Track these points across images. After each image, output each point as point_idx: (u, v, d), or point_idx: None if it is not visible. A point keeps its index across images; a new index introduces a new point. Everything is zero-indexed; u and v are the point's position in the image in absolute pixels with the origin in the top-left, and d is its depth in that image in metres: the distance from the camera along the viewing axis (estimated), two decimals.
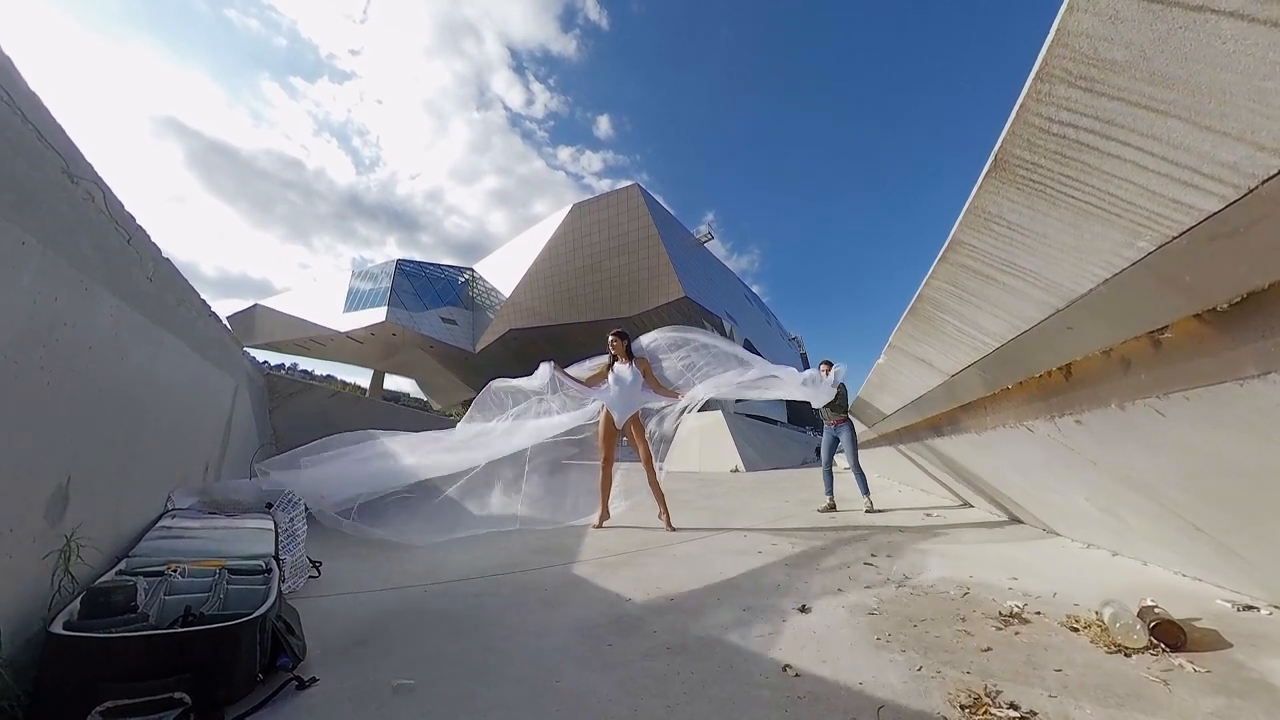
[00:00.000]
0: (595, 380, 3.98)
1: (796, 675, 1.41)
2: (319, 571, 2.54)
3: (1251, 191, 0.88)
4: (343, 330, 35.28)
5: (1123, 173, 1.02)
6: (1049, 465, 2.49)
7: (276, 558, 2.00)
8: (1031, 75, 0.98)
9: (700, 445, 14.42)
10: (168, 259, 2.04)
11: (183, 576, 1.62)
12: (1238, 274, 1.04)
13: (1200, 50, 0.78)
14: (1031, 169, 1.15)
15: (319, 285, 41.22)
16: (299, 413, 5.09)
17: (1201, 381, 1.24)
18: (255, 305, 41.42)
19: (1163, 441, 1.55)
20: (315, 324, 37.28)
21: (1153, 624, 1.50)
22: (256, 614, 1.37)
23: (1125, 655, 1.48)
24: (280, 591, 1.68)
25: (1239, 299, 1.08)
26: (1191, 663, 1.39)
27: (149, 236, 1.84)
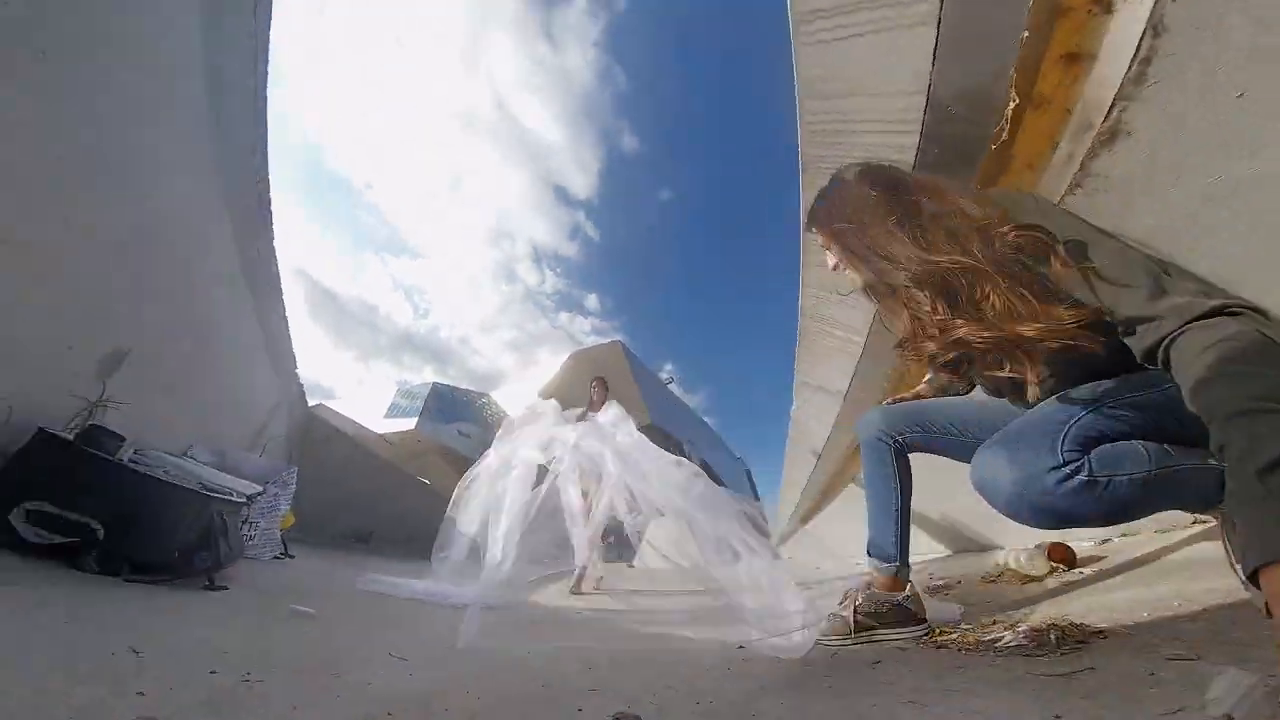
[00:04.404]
0: None
1: None
2: (292, 555, 2.57)
3: None
4: (379, 432, 37.27)
5: None
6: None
7: (249, 503, 2.02)
8: None
9: None
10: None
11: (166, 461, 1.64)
12: None
13: None
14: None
15: (367, 395, 45.04)
16: (324, 459, 4.95)
17: None
18: (319, 404, 44.68)
19: None
20: (359, 424, 39.82)
21: (1048, 549, 1.49)
22: (200, 490, 1.44)
23: (1038, 581, 1.50)
24: (238, 522, 1.71)
25: None
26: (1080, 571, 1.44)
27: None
